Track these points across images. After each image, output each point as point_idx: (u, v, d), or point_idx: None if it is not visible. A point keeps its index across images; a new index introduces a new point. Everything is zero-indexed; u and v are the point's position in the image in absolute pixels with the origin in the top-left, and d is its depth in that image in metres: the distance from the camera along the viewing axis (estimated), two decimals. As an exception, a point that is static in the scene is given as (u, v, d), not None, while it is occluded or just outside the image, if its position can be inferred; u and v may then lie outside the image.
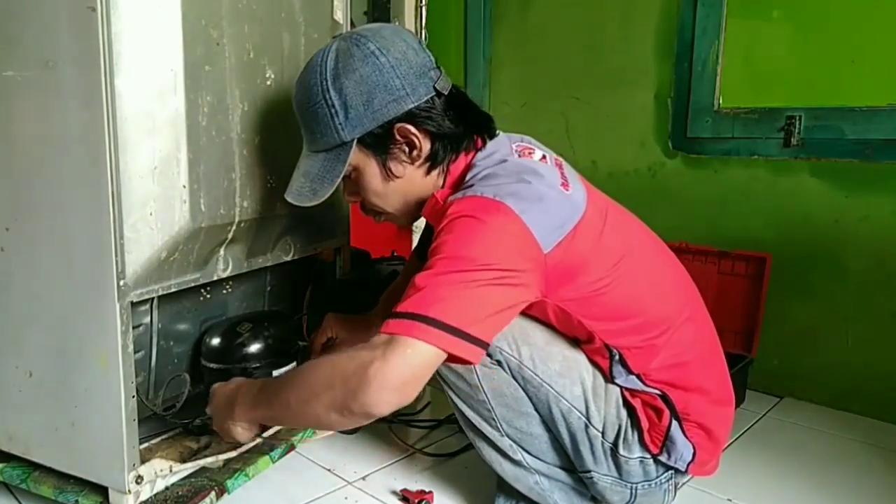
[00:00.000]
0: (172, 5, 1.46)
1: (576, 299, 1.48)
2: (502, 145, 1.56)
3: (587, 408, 1.57)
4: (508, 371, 1.56)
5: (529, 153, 1.55)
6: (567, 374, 1.56)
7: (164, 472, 1.60)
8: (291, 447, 1.86)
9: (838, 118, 2.44)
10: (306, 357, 2.01)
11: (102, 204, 1.40)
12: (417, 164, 1.54)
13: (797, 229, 2.59)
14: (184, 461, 1.66)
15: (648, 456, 1.59)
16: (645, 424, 1.58)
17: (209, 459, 1.67)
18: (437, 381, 1.60)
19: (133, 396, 1.50)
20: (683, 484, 1.89)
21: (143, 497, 1.57)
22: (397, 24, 3.33)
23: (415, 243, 2.12)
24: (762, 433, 2.38)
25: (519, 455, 1.66)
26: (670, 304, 1.60)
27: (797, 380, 2.66)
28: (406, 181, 1.56)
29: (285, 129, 1.77)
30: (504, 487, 1.80)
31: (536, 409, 1.60)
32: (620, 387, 1.59)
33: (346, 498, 1.87)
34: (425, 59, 1.51)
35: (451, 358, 1.30)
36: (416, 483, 1.94)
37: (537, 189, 1.43)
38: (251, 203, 1.71)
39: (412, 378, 1.28)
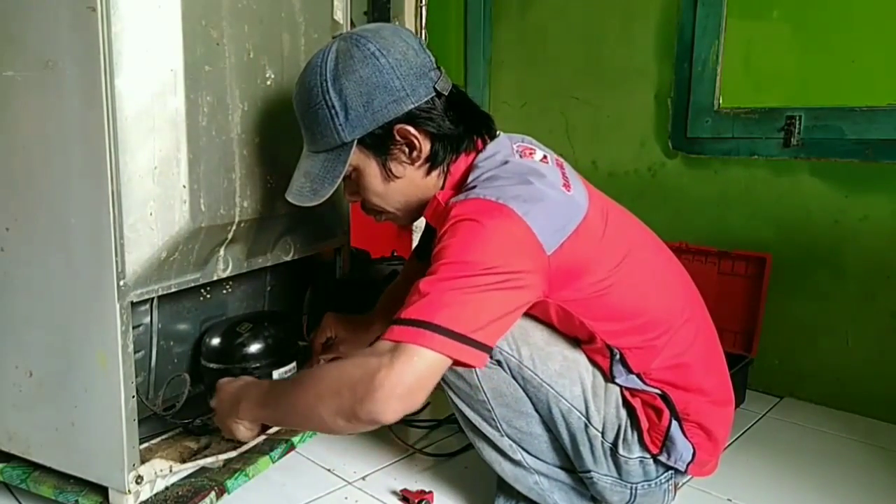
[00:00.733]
0: (172, 5, 1.46)
1: (578, 300, 1.48)
2: (503, 146, 1.56)
3: (587, 408, 1.57)
4: (508, 371, 1.56)
5: (530, 153, 1.55)
6: (567, 373, 1.56)
7: (164, 472, 1.60)
8: (291, 447, 1.86)
9: (838, 118, 2.44)
10: (307, 357, 2.02)
11: (102, 204, 1.40)
12: (417, 164, 1.54)
13: (797, 229, 2.59)
14: (184, 461, 1.66)
15: (648, 456, 1.59)
16: (644, 424, 1.58)
17: (209, 459, 1.68)
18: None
19: (133, 396, 1.50)
20: (683, 484, 1.89)
21: (143, 497, 1.57)
22: (397, 24, 3.31)
23: (415, 243, 2.13)
24: (762, 433, 2.38)
25: (519, 455, 1.66)
26: (671, 305, 1.60)
27: (797, 380, 2.66)
28: (406, 181, 1.56)
29: (285, 129, 1.77)
30: (504, 488, 1.80)
31: (536, 409, 1.60)
32: (620, 386, 1.59)
33: (346, 498, 1.87)
34: (425, 59, 1.51)
35: (457, 363, 1.31)
36: (416, 483, 1.94)
37: (539, 190, 1.43)
38: (251, 203, 1.71)
39: (418, 386, 1.28)
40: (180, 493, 1.60)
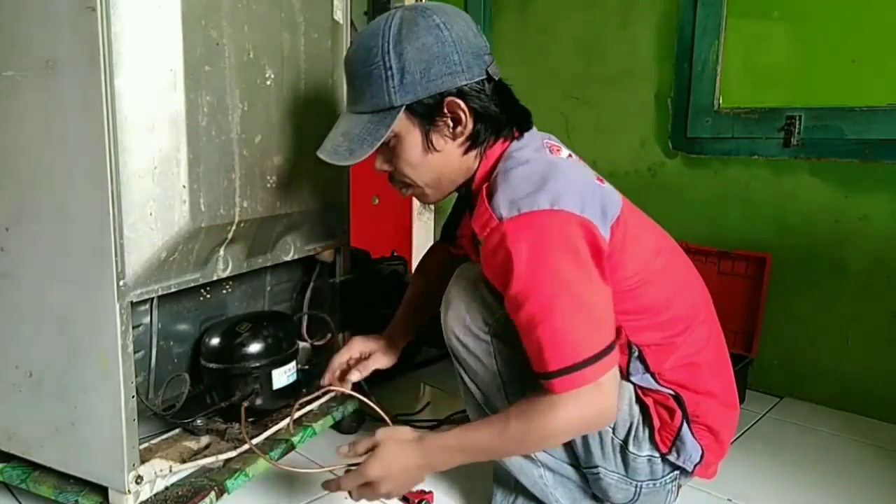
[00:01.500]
0: (172, 5, 1.45)
1: (615, 291, 1.50)
2: (535, 140, 1.58)
3: None
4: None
5: (557, 150, 1.57)
6: None
7: (164, 472, 1.59)
8: (292, 447, 1.85)
9: (838, 118, 2.45)
10: (308, 358, 2.02)
11: (102, 204, 1.40)
12: (459, 140, 1.54)
13: (797, 229, 2.60)
14: (184, 461, 1.65)
15: (657, 455, 1.60)
16: (656, 423, 1.59)
17: (209, 459, 1.67)
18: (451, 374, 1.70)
19: (133, 396, 1.50)
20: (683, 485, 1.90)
21: (143, 497, 1.56)
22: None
23: (415, 236, 2.12)
24: (762, 433, 2.39)
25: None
26: (690, 303, 1.64)
27: (797, 380, 2.67)
28: (444, 156, 1.55)
29: (285, 128, 1.78)
30: (501, 483, 1.81)
31: None
32: (634, 384, 1.60)
33: (346, 498, 1.85)
34: (482, 42, 1.53)
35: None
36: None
37: (584, 183, 1.49)
38: (251, 203, 1.70)
39: (614, 397, 1.44)
40: (180, 493, 1.60)
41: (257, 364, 1.80)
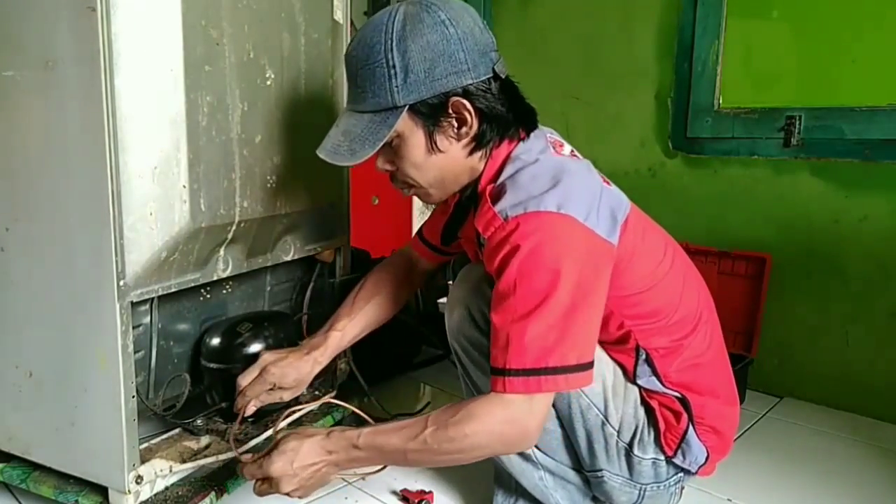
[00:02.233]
0: (172, 5, 1.45)
1: (622, 297, 1.50)
2: (539, 139, 1.55)
3: (606, 406, 1.58)
4: None
5: (560, 147, 1.56)
6: None
7: (164, 472, 1.60)
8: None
9: (838, 118, 2.45)
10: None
11: (102, 204, 1.40)
12: (464, 141, 1.50)
13: (797, 229, 2.60)
14: (184, 461, 1.66)
15: (662, 457, 1.61)
16: (662, 426, 1.59)
17: (209, 459, 1.67)
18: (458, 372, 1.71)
19: (133, 396, 1.50)
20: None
21: (143, 497, 1.57)
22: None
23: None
24: (762, 433, 2.39)
25: (529, 450, 1.67)
26: (694, 305, 1.63)
27: (797, 380, 2.67)
28: (448, 157, 1.51)
29: (285, 128, 1.78)
30: (502, 483, 1.81)
31: (554, 404, 1.56)
32: (641, 388, 1.60)
33: (346, 498, 1.89)
34: (488, 39, 1.48)
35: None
36: (416, 483, 1.95)
37: (591, 187, 1.46)
38: (251, 203, 1.70)
39: (540, 419, 1.40)
40: (180, 493, 1.60)
41: (258, 364, 1.79)
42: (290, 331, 1.94)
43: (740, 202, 2.73)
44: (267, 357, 1.73)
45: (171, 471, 1.61)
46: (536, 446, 1.66)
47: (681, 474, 1.65)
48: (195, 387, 1.76)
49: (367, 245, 2.57)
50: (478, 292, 1.60)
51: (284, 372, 1.72)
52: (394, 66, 1.41)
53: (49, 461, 1.64)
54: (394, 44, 1.41)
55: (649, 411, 1.60)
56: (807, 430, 2.42)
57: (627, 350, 1.55)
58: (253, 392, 1.71)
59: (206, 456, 1.69)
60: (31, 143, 1.49)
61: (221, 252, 1.68)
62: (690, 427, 1.59)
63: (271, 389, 1.73)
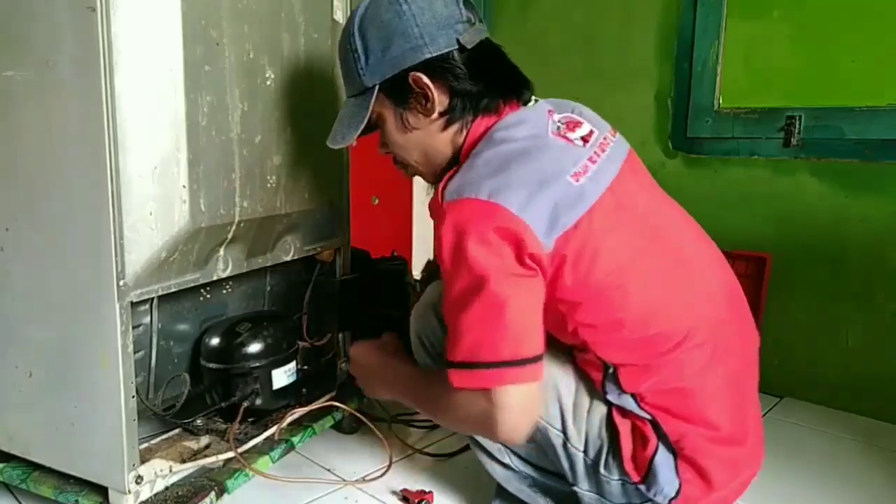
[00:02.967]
0: (172, 5, 1.46)
1: (571, 303, 1.43)
2: (533, 117, 1.51)
3: (564, 427, 1.53)
4: None
5: (575, 126, 1.50)
6: (544, 391, 1.47)
7: (164, 472, 1.60)
8: (291, 447, 1.86)
9: (838, 118, 2.46)
10: (307, 357, 2.03)
11: (102, 204, 1.40)
12: (433, 116, 1.49)
13: (797, 229, 2.61)
14: (184, 461, 1.66)
15: (630, 480, 1.50)
16: (627, 451, 1.48)
17: (209, 459, 1.68)
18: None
19: (133, 396, 1.50)
20: None
21: (143, 497, 1.57)
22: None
23: (415, 236, 2.12)
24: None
25: (507, 458, 1.68)
26: (687, 322, 1.47)
27: (797, 380, 2.67)
28: (423, 134, 1.53)
29: (285, 128, 1.78)
30: (502, 492, 1.82)
31: None
32: (611, 404, 1.51)
33: (346, 498, 1.89)
34: (454, 11, 1.46)
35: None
36: (416, 483, 1.95)
37: (541, 180, 1.37)
38: (251, 203, 1.71)
39: (526, 415, 1.38)
40: (180, 493, 1.60)
41: (257, 364, 1.81)
42: (291, 331, 1.95)
43: (740, 202, 2.73)
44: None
45: (171, 471, 1.61)
46: (515, 454, 1.68)
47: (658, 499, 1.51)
48: (195, 387, 1.77)
49: (367, 245, 2.57)
50: (425, 318, 1.63)
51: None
52: (356, 50, 1.48)
53: (49, 461, 1.64)
54: (356, 28, 1.48)
55: (613, 433, 1.51)
56: (807, 430, 2.42)
57: (594, 363, 1.49)
58: None
59: (206, 456, 1.70)
60: (30, 143, 1.49)
61: (221, 252, 1.69)
62: (661, 454, 1.47)
63: None
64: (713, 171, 2.78)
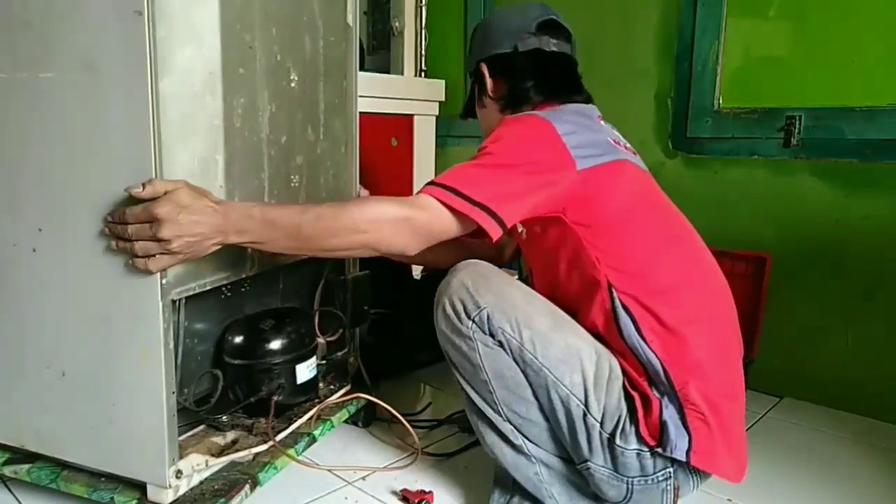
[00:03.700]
0: (212, 10, 1.55)
1: (592, 226, 1.71)
2: (585, 109, 1.92)
3: (586, 396, 1.66)
4: (510, 352, 1.68)
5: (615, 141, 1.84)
6: (568, 360, 1.66)
7: (201, 466, 1.67)
8: (313, 440, 1.95)
9: (838, 118, 2.54)
10: (325, 353, 2.15)
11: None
12: (492, 100, 2.02)
13: (797, 229, 2.68)
14: (213, 456, 1.74)
15: (646, 449, 1.65)
16: (641, 416, 1.65)
17: (242, 453, 1.76)
18: (451, 373, 1.81)
19: (173, 392, 1.58)
20: (692, 492, 1.99)
21: (182, 492, 1.63)
22: (397, 24, 3.42)
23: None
24: (762, 433, 2.46)
25: (520, 440, 1.76)
26: (679, 273, 1.76)
27: (797, 380, 2.74)
28: (486, 112, 2.06)
29: (306, 129, 1.89)
30: (500, 481, 1.90)
31: (536, 396, 1.71)
32: (625, 374, 1.70)
33: (346, 498, 1.94)
34: (523, 23, 1.96)
35: (472, 225, 1.65)
36: (416, 483, 2.01)
37: (588, 124, 1.82)
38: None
39: (440, 232, 1.66)
40: (216, 487, 1.67)
41: (283, 359, 1.90)
42: (311, 326, 2.05)
43: (740, 202, 2.80)
44: None
45: (206, 465, 1.68)
46: (527, 437, 1.76)
47: (670, 469, 1.67)
48: (216, 383, 1.85)
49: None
50: (460, 284, 1.75)
51: None
52: (469, 43, 2.15)
53: (82, 460, 1.70)
54: (474, 30, 2.12)
55: (630, 402, 1.67)
56: (807, 430, 2.49)
57: (603, 303, 1.70)
58: None
59: (237, 451, 1.78)
60: (68, 144, 1.55)
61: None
62: (668, 410, 1.64)
63: None
64: (713, 171, 2.86)
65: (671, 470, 1.68)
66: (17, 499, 1.87)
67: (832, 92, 2.57)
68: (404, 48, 3.49)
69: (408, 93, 3.45)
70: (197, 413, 1.82)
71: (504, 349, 1.68)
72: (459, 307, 1.70)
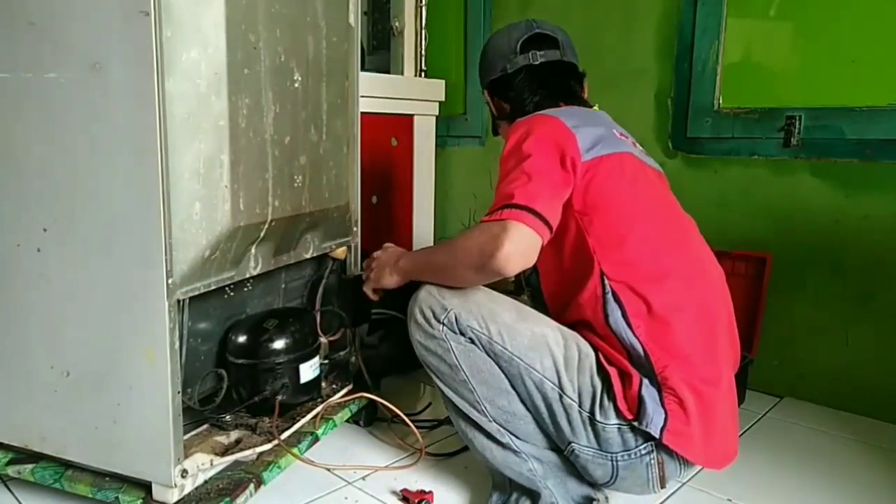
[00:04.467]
0: (218, 10, 1.56)
1: (590, 214, 1.77)
2: (587, 109, 2.04)
3: (559, 378, 1.73)
4: (481, 347, 1.75)
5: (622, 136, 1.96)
6: (536, 347, 1.74)
7: (206, 465, 1.69)
8: (316, 439, 1.97)
9: (838, 118, 2.55)
10: (327, 353, 2.17)
11: (153, 205, 1.49)
12: (500, 119, 2.20)
13: (797, 229, 2.70)
14: (217, 455, 1.76)
15: (625, 423, 1.70)
16: (619, 390, 1.69)
17: (246, 452, 1.78)
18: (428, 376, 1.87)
19: (178, 392, 1.59)
20: (681, 479, 2.00)
21: (187, 491, 1.65)
22: (397, 24, 3.43)
23: (415, 235, 2.33)
24: (762, 433, 2.48)
25: (507, 438, 1.80)
26: (669, 261, 1.80)
27: (797, 380, 2.76)
28: (503, 130, 2.17)
29: (309, 129, 1.90)
30: (497, 485, 1.93)
31: (513, 386, 1.77)
32: (598, 351, 1.76)
33: (346, 498, 1.97)
34: (510, 46, 2.10)
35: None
36: (416, 483, 2.03)
37: (593, 119, 1.91)
38: (282, 202, 1.81)
39: (525, 251, 1.66)
40: (221, 486, 1.69)
41: (286, 359, 1.92)
42: (314, 326, 2.07)
43: (740, 202, 2.82)
44: None
45: (211, 464, 1.70)
46: (514, 434, 1.80)
47: (651, 443, 1.71)
48: (220, 383, 1.87)
49: (367, 245, 2.65)
50: (427, 291, 1.85)
51: None
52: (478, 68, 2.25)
53: (87, 459, 1.71)
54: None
55: (604, 377, 1.72)
56: (807, 430, 2.50)
57: (594, 291, 1.75)
58: None
59: (240, 450, 1.80)
60: (73, 144, 1.57)
61: (253, 250, 1.78)
62: (646, 387, 1.68)
63: None
64: (713, 171, 2.87)
65: (653, 444, 1.72)
66: (17, 499, 1.88)
67: (832, 92, 2.58)
68: (404, 48, 3.49)
69: (408, 93, 3.44)
70: (201, 412, 1.84)
71: (476, 345, 1.76)
72: (429, 313, 1.79)
